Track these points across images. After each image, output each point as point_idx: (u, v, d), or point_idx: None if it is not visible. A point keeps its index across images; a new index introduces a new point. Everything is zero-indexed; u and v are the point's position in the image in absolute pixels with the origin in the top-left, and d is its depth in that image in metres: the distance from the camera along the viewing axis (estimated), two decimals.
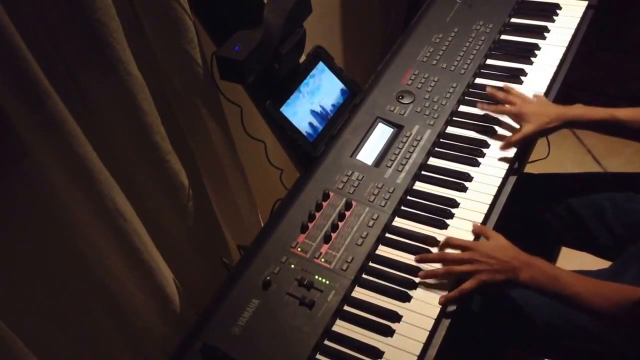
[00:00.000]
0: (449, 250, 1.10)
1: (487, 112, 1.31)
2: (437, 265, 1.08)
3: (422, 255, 1.10)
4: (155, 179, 1.10)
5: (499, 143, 1.27)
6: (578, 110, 1.24)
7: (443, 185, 1.22)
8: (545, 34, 1.51)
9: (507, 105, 1.28)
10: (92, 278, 1.02)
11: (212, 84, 1.22)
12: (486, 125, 1.32)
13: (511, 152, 1.27)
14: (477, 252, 1.06)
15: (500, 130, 1.31)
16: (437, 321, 1.03)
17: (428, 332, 1.01)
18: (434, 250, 1.11)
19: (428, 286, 1.07)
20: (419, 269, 1.09)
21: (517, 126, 1.29)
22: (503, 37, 1.53)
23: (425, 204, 1.20)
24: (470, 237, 1.13)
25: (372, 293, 1.07)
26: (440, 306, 1.04)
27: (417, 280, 1.08)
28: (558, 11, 1.57)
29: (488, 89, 1.33)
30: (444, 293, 1.05)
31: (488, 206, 1.18)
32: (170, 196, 1.15)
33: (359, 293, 1.08)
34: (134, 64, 0.97)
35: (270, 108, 1.20)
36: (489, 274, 1.03)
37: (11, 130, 0.79)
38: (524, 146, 1.27)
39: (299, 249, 1.11)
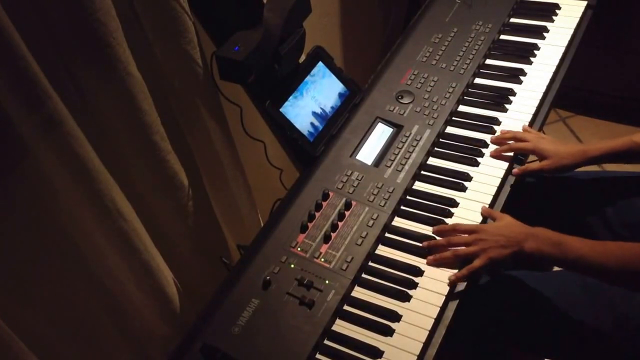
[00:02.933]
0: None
1: (502, 154, 1.27)
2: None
3: (430, 241, 1.12)
4: (155, 179, 1.11)
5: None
6: (599, 145, 1.22)
7: (442, 185, 1.22)
8: (545, 34, 1.51)
9: (520, 143, 1.26)
10: (92, 278, 1.02)
11: (212, 84, 1.22)
12: (486, 125, 1.32)
13: (510, 152, 1.27)
14: (483, 232, 1.08)
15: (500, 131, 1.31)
16: (437, 321, 1.03)
17: (428, 332, 1.01)
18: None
19: (428, 286, 1.07)
20: (419, 269, 1.09)
21: (517, 127, 1.30)
22: (502, 37, 1.53)
23: (424, 204, 1.20)
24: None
25: (371, 293, 1.07)
26: (439, 307, 1.04)
27: (416, 280, 1.08)
28: (557, 11, 1.57)
29: (492, 138, 1.29)
30: (445, 292, 1.05)
31: (487, 206, 1.18)
32: (170, 196, 1.15)
33: (359, 293, 1.08)
34: (134, 64, 0.97)
35: (270, 108, 1.21)
36: (496, 250, 1.05)
37: (11, 130, 0.79)
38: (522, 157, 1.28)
39: (299, 249, 1.11)
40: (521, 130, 1.30)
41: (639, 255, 0.98)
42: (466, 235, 1.10)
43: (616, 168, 1.34)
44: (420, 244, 1.13)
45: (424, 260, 1.11)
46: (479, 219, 1.16)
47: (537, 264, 1.07)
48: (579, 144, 1.26)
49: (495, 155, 1.27)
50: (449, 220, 1.16)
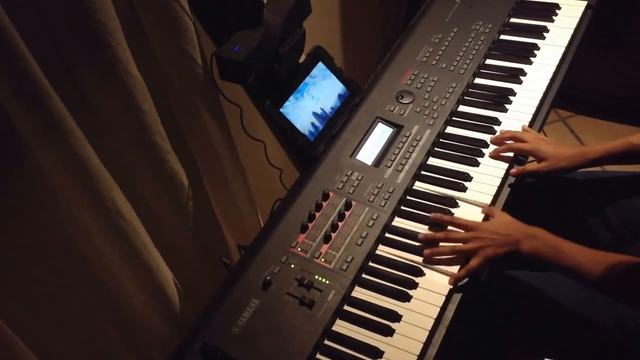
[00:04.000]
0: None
1: (501, 154, 1.27)
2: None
3: (428, 233, 1.12)
4: (155, 179, 1.10)
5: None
6: (597, 148, 1.23)
7: (442, 185, 1.22)
8: (545, 34, 1.51)
9: (518, 144, 1.26)
10: (92, 278, 1.02)
11: (212, 84, 1.22)
12: (486, 125, 1.32)
13: (510, 153, 1.27)
14: (481, 230, 1.09)
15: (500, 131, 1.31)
16: (437, 321, 1.03)
17: (428, 332, 1.01)
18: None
19: (428, 286, 1.07)
20: (419, 269, 1.09)
21: (517, 127, 1.29)
22: (502, 37, 1.53)
23: (424, 204, 1.20)
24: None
25: (372, 293, 1.07)
26: (439, 307, 1.04)
27: (416, 280, 1.08)
28: (557, 11, 1.57)
29: (491, 138, 1.29)
30: (445, 292, 1.05)
31: (487, 206, 1.18)
32: (170, 196, 1.15)
33: (359, 293, 1.08)
34: (134, 64, 0.97)
35: (270, 108, 1.21)
36: (492, 249, 1.06)
37: (11, 130, 0.79)
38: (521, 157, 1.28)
39: (299, 249, 1.11)
40: (521, 130, 1.30)
41: (633, 269, 0.97)
42: (463, 231, 1.11)
43: (616, 168, 1.34)
44: (420, 244, 1.13)
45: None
46: (480, 218, 1.16)
47: (535, 264, 1.07)
48: (577, 147, 1.26)
49: (494, 156, 1.27)
50: None
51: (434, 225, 1.16)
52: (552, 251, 1.04)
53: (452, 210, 1.17)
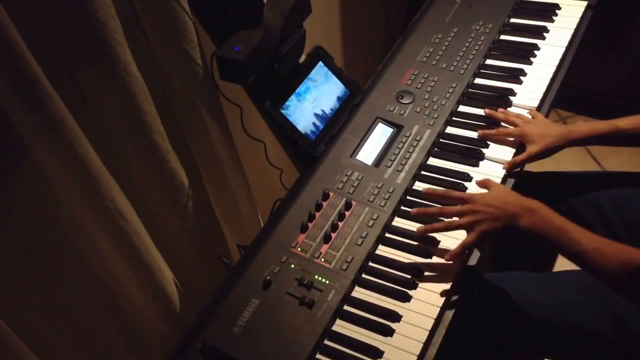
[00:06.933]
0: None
1: (489, 137, 1.29)
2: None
3: (421, 209, 1.11)
4: (155, 178, 1.11)
5: (496, 143, 1.28)
6: (582, 128, 1.24)
7: (443, 185, 1.22)
8: (545, 34, 1.51)
9: (508, 127, 1.28)
10: (92, 278, 1.02)
11: (212, 84, 1.22)
12: (486, 126, 1.32)
13: (510, 153, 1.27)
14: (476, 203, 1.06)
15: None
16: (437, 321, 1.03)
17: (428, 332, 1.01)
18: (434, 253, 1.11)
19: (428, 286, 1.07)
20: (419, 270, 1.09)
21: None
22: (502, 37, 1.53)
23: (425, 204, 1.19)
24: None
25: (372, 293, 1.07)
26: (440, 307, 1.04)
27: (416, 280, 1.08)
28: (557, 11, 1.57)
29: (485, 111, 1.33)
30: (445, 290, 1.06)
31: None
32: (170, 196, 1.15)
33: (359, 293, 1.08)
34: (134, 64, 0.97)
35: (270, 108, 1.21)
36: (488, 223, 1.03)
37: (11, 130, 0.79)
38: (523, 146, 1.27)
39: (299, 249, 1.11)
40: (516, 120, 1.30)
41: (637, 262, 0.94)
42: (458, 205, 1.08)
43: (617, 168, 1.34)
44: (420, 244, 1.13)
45: (425, 260, 1.10)
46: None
47: (534, 241, 1.03)
48: (563, 126, 1.27)
49: (482, 136, 1.29)
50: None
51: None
52: (554, 231, 0.99)
53: None
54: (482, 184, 1.15)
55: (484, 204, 1.05)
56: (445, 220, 1.09)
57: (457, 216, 1.07)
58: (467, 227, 1.05)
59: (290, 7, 1.18)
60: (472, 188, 1.21)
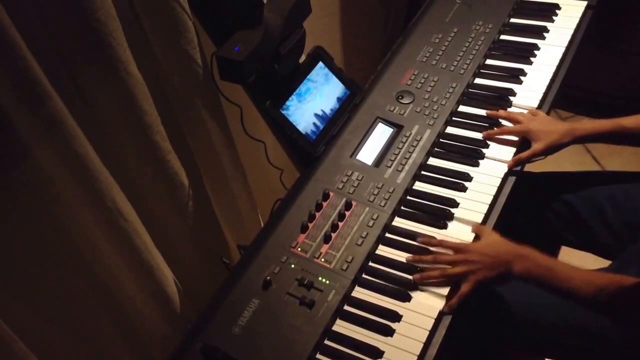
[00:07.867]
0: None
1: (493, 137, 1.29)
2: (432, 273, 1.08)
3: (415, 256, 1.10)
4: (155, 178, 1.11)
5: (499, 143, 1.28)
6: (586, 126, 1.24)
7: (443, 185, 1.22)
8: (545, 34, 1.51)
9: (512, 125, 1.28)
10: (92, 278, 1.02)
11: (212, 84, 1.22)
12: (486, 126, 1.32)
13: (510, 152, 1.27)
14: (469, 252, 1.07)
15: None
16: (437, 321, 1.03)
17: (428, 332, 1.01)
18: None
19: (428, 286, 1.07)
20: (420, 269, 1.09)
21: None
22: (502, 37, 1.53)
23: (425, 204, 1.20)
24: (470, 236, 1.14)
25: (372, 293, 1.07)
26: (440, 307, 1.04)
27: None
28: (557, 11, 1.57)
29: (487, 112, 1.33)
30: (445, 291, 1.06)
31: (488, 206, 1.18)
32: (170, 196, 1.15)
33: (359, 293, 1.08)
34: (134, 64, 0.97)
35: (270, 108, 1.21)
36: (483, 272, 1.04)
37: (11, 130, 0.79)
38: (524, 146, 1.27)
39: (299, 249, 1.11)
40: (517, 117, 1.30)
41: (625, 288, 0.96)
42: (452, 253, 1.08)
43: (617, 168, 1.34)
44: (420, 244, 1.12)
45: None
46: (480, 219, 1.16)
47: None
48: (567, 123, 1.27)
49: (487, 136, 1.28)
50: (449, 222, 1.16)
51: (434, 225, 1.16)
52: (545, 272, 1.02)
53: (452, 210, 1.17)
54: (476, 230, 1.14)
55: (478, 253, 1.06)
56: (439, 267, 1.07)
57: (451, 265, 1.07)
58: (462, 277, 1.05)
59: (290, 7, 1.18)
60: (471, 188, 1.21)
